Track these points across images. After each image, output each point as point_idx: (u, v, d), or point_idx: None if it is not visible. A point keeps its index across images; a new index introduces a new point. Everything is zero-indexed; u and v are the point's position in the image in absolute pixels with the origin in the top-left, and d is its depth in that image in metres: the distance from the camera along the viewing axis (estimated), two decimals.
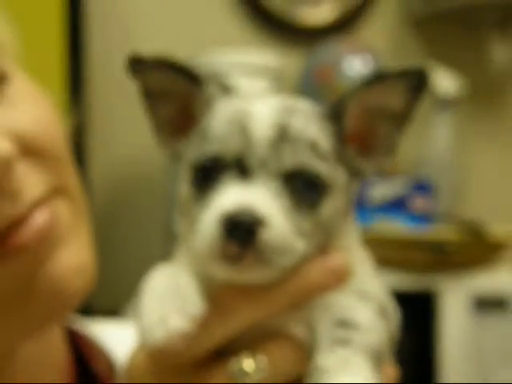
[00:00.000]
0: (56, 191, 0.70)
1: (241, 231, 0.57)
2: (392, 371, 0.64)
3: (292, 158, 0.60)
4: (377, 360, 0.59)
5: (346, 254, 0.63)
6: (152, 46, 2.26)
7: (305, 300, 0.62)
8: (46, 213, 0.67)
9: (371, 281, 0.65)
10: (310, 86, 2.20)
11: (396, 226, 2.02)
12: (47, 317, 0.71)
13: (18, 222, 0.65)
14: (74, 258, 0.70)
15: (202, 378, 0.61)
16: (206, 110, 0.65)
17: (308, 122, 0.62)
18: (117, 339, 0.90)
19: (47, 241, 0.67)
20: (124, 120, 2.24)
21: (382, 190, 2.02)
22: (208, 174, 0.62)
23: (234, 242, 0.58)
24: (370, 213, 2.00)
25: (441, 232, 2.02)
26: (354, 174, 0.65)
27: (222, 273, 0.60)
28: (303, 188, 0.61)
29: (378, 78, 0.63)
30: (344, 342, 0.59)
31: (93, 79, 2.04)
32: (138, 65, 0.67)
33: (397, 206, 2.04)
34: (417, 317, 1.98)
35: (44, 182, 0.69)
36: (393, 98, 0.63)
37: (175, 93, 0.67)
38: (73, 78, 1.01)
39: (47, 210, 0.68)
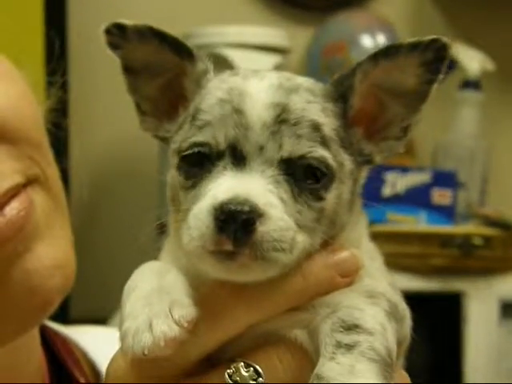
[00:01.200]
0: (32, 180, 0.67)
1: (235, 224, 0.54)
2: (403, 378, 0.60)
3: (292, 144, 0.57)
4: (385, 367, 0.54)
5: (353, 248, 0.60)
6: (145, 20, 2.27)
7: (307, 301, 0.58)
8: (22, 203, 0.65)
9: (381, 278, 0.61)
10: (319, 64, 2.17)
11: (415, 221, 1.96)
12: (24, 319, 0.67)
13: None
14: (51, 252, 0.68)
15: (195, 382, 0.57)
16: (197, 88, 0.62)
17: (309, 101, 0.59)
18: (101, 346, 0.86)
19: (22, 233, 0.65)
20: (107, 100, 2.17)
21: (400, 181, 1.95)
22: (199, 162, 0.58)
23: (227, 236, 0.54)
24: (387, 206, 1.93)
25: (465, 227, 1.99)
26: (362, 159, 0.61)
27: (214, 271, 0.57)
28: (304, 176, 0.57)
29: (387, 52, 0.58)
30: (348, 348, 0.54)
31: (73, 55, 1.98)
32: (119, 34, 0.62)
33: (416, 198, 1.97)
34: (439, 319, 1.92)
35: (19, 170, 0.66)
36: (405, 73, 0.59)
37: (161, 67, 0.63)
38: (51, 53, 0.94)
39: (23, 200, 0.65)
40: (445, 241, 1.90)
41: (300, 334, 0.58)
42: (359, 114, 0.61)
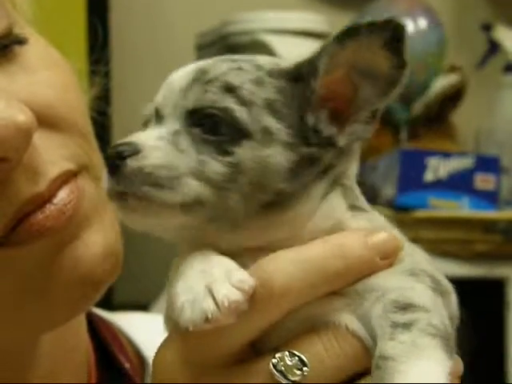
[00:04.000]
0: (82, 168, 0.68)
1: (114, 164, 0.55)
2: (457, 364, 0.56)
3: (197, 96, 0.57)
4: (446, 341, 0.53)
5: (394, 232, 0.59)
6: (186, 7, 2.27)
7: (348, 284, 0.57)
8: (72, 191, 0.65)
9: (416, 256, 0.59)
10: None
11: (458, 206, 1.94)
12: (72, 306, 0.68)
13: (39, 201, 0.63)
14: (100, 240, 0.67)
15: (237, 377, 0.56)
16: None
17: (239, 68, 0.58)
18: (146, 332, 0.88)
19: (72, 222, 0.65)
20: (148, 87, 2.13)
21: (442, 167, 1.92)
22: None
23: (111, 177, 0.55)
24: (429, 191, 1.91)
25: (508, 212, 1.97)
26: (320, 142, 0.58)
27: (119, 216, 0.58)
28: (211, 129, 0.56)
29: (349, 32, 0.57)
30: (406, 326, 0.53)
31: (115, 44, 1.97)
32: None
33: (459, 183, 1.94)
34: (482, 306, 1.83)
35: (67, 158, 0.66)
36: (371, 55, 0.57)
37: None
38: (94, 42, 0.94)
39: (73, 189, 0.65)
40: (488, 226, 1.88)
41: (349, 320, 0.57)
42: (324, 96, 0.59)
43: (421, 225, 1.83)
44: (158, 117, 0.59)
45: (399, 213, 1.80)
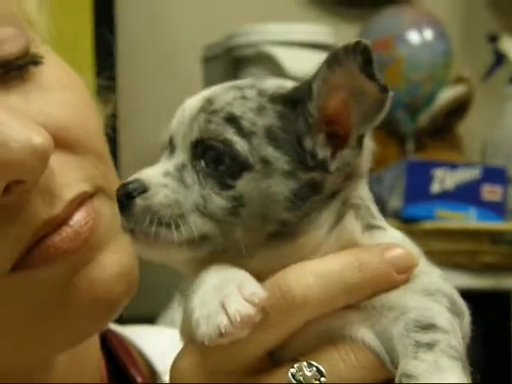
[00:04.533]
0: (97, 189, 0.68)
1: (119, 200, 0.57)
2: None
3: (200, 128, 0.58)
4: (464, 364, 0.54)
5: (408, 248, 0.59)
6: (193, 20, 2.28)
7: (364, 298, 0.57)
8: (88, 213, 0.65)
9: (432, 273, 0.60)
10: None
11: (465, 217, 1.93)
12: (88, 327, 0.69)
13: (56, 224, 0.63)
14: (116, 262, 0.67)
15: (257, 380, 0.57)
16: None
17: (243, 97, 0.59)
18: (156, 345, 0.89)
19: (88, 244, 0.65)
20: (156, 102, 2.16)
21: (449, 178, 1.93)
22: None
23: (121, 214, 0.57)
24: (436, 203, 1.92)
25: None
26: (314, 164, 0.58)
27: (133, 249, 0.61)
28: (213, 162, 0.58)
29: (334, 57, 0.56)
30: (429, 346, 0.54)
31: (121, 57, 1.97)
32: None
33: (466, 195, 1.94)
34: (489, 317, 1.82)
35: (83, 179, 0.66)
36: (357, 79, 0.56)
37: None
38: (103, 62, 0.94)
39: (89, 211, 0.65)
40: (495, 237, 1.88)
41: (366, 334, 0.57)
42: (324, 120, 0.59)
43: (428, 236, 1.82)
44: (171, 146, 0.60)
45: (406, 224, 1.80)
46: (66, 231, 0.63)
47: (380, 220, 0.62)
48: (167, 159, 0.60)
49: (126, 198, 0.57)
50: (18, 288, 0.64)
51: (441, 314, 0.56)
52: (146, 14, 2.24)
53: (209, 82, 2.02)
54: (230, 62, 1.96)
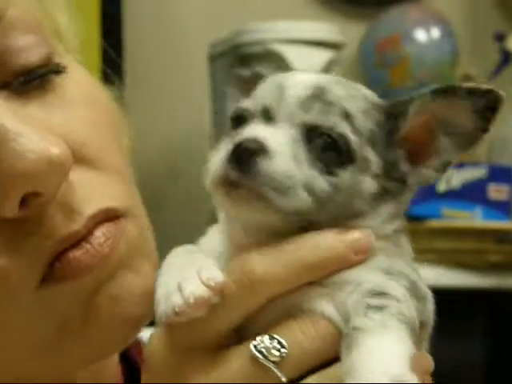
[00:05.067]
0: (123, 210, 0.67)
1: (241, 157, 0.59)
2: (427, 362, 0.60)
3: (319, 115, 0.61)
4: (412, 332, 0.57)
5: (368, 231, 0.63)
6: (200, 17, 2.28)
7: (324, 276, 0.61)
8: (108, 231, 0.64)
9: (402, 263, 0.63)
10: (372, 59, 2.16)
11: (471, 216, 1.94)
12: (110, 343, 0.68)
13: (76, 239, 0.62)
14: (139, 281, 0.67)
15: (222, 360, 0.60)
16: None
17: (353, 96, 0.64)
18: None
19: (109, 261, 0.64)
20: (161, 109, 2.19)
21: (455, 177, 1.93)
22: (240, 124, 0.64)
23: (233, 168, 0.59)
24: (442, 201, 1.92)
25: None
26: (396, 175, 0.65)
27: (221, 203, 0.62)
28: (323, 148, 0.61)
29: (446, 90, 0.63)
30: (378, 308, 0.58)
31: (128, 55, 2.00)
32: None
33: (472, 193, 1.95)
34: (495, 316, 1.90)
35: (106, 197, 0.65)
36: (460, 115, 0.63)
37: None
38: (108, 53, 0.93)
39: (109, 228, 0.65)
40: (501, 236, 1.88)
41: (326, 307, 0.60)
42: (407, 137, 0.65)
43: (434, 235, 1.82)
44: (268, 117, 0.62)
45: (412, 223, 1.80)
46: (85, 247, 0.63)
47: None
48: (267, 126, 0.62)
49: (247, 153, 0.59)
50: (43, 302, 0.63)
51: (396, 288, 0.60)
52: (154, 11, 2.24)
53: (215, 78, 2.02)
54: (236, 59, 1.95)
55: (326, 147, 0.61)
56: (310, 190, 0.60)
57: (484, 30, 2.37)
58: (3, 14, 0.63)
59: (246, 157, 0.59)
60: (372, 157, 0.63)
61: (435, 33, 2.06)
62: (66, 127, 0.65)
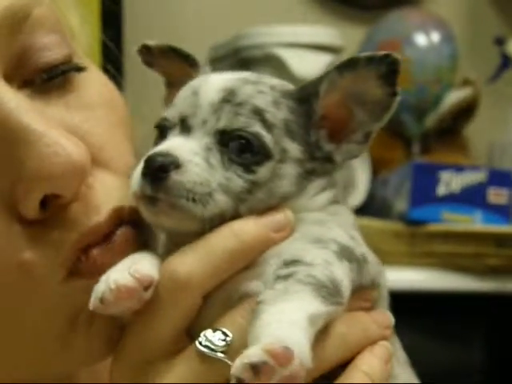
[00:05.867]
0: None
1: (153, 171, 0.61)
2: (385, 318, 0.65)
3: (229, 119, 0.63)
4: (325, 291, 0.58)
5: (285, 209, 0.65)
6: (200, 20, 2.28)
7: (251, 257, 0.63)
8: (130, 232, 0.66)
9: (337, 230, 0.65)
10: None
11: (471, 220, 1.93)
12: (111, 344, 0.67)
13: (98, 234, 0.64)
14: None
15: (172, 366, 0.61)
16: None
17: (261, 91, 0.65)
18: None
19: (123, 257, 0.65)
20: (161, 113, 2.15)
21: (455, 181, 1.92)
22: (162, 134, 0.66)
23: (148, 183, 0.61)
24: (442, 205, 1.91)
25: None
26: (321, 155, 0.67)
27: (144, 215, 0.63)
28: (238, 149, 0.63)
29: (349, 64, 0.65)
30: (285, 277, 0.59)
31: (128, 57, 1.94)
32: (147, 53, 0.73)
33: (472, 197, 1.94)
34: (495, 320, 1.89)
35: (120, 199, 0.66)
36: (368, 84, 0.65)
37: (184, 79, 0.71)
38: (107, 54, 0.94)
39: (128, 230, 0.66)
40: (501, 240, 1.86)
41: (258, 287, 0.62)
42: (325, 117, 0.67)
43: (433, 239, 1.82)
44: (184, 126, 0.65)
45: (412, 227, 1.80)
46: (108, 246, 0.65)
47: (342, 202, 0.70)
48: (182, 137, 0.64)
49: (160, 170, 0.60)
50: (64, 295, 0.64)
51: (316, 254, 0.61)
52: (153, 14, 2.24)
53: None
54: (236, 63, 1.95)
55: (242, 148, 0.63)
56: (227, 191, 0.62)
57: (484, 34, 2.37)
58: (30, 12, 0.65)
59: (157, 172, 0.60)
60: (290, 145, 0.65)
61: (435, 37, 2.06)
62: (84, 129, 0.66)
